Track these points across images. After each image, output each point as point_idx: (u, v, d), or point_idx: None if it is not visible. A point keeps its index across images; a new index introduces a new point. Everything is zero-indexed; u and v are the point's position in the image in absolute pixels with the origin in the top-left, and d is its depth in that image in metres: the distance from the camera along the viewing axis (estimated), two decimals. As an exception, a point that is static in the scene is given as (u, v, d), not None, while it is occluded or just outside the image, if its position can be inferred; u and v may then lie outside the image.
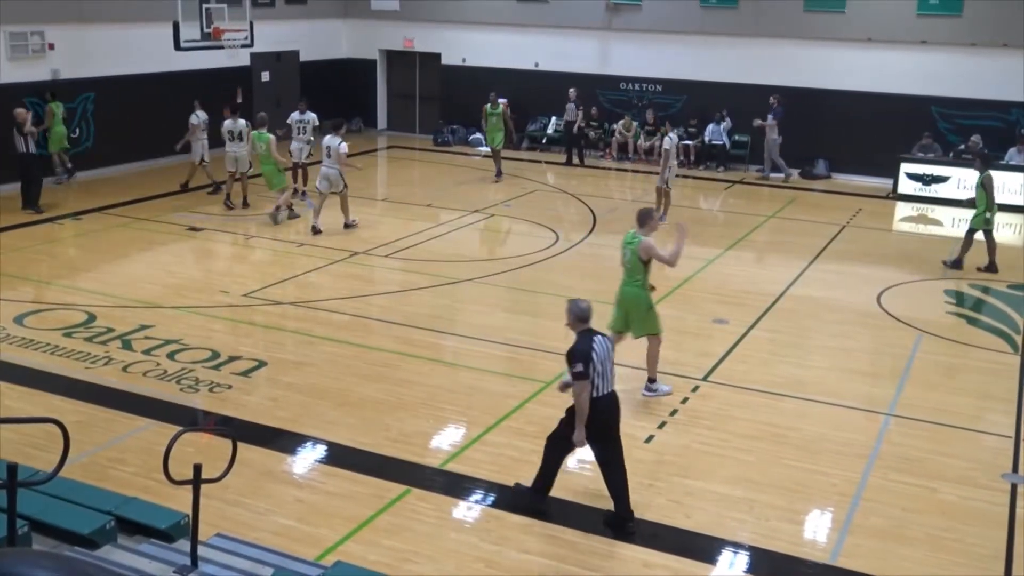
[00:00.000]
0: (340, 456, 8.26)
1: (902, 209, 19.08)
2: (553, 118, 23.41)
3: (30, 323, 11.20)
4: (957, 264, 14.24)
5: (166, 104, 19.07)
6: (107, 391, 9.41)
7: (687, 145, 21.43)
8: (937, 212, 18.51)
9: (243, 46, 18.46)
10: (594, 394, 6.86)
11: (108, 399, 9.21)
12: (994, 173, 14.74)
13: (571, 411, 7.05)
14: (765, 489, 7.84)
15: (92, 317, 11.40)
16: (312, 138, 17.38)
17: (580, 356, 6.83)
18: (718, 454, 8.46)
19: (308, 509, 7.40)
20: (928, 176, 19.40)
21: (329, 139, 15.24)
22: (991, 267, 14.16)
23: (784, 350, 11.01)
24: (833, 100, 20.71)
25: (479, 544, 7.01)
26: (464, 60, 24.49)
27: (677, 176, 17.29)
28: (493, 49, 23.96)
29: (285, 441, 8.53)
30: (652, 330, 9.43)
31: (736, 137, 21.73)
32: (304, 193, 17.65)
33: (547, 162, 22.36)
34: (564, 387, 7.38)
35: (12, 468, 4.62)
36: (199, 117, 17.71)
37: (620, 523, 7.20)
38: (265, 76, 23.14)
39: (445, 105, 24.90)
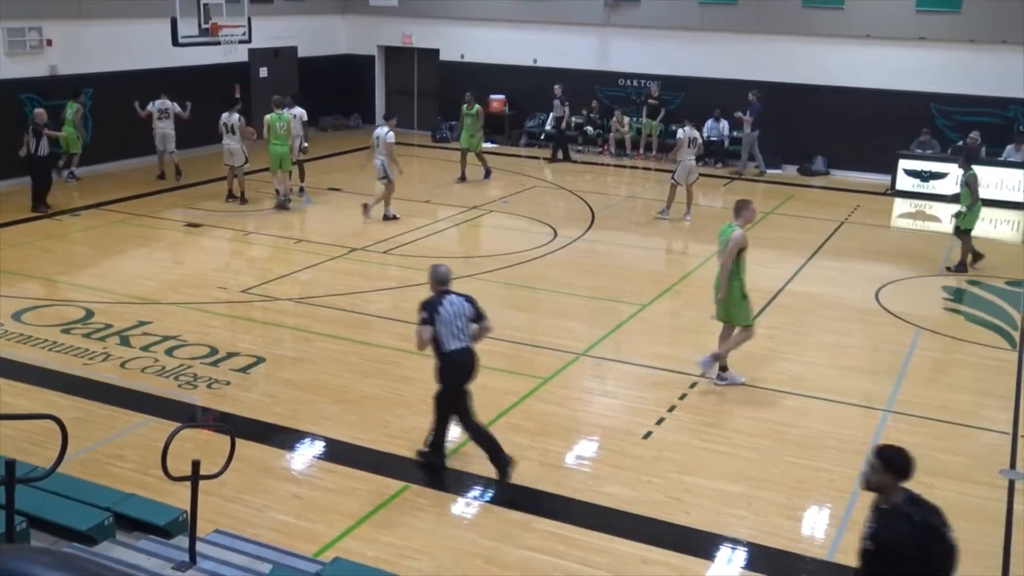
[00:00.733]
0: (338, 452, 8.26)
1: (900, 205, 19.09)
2: (550, 115, 23.38)
3: (28, 319, 11.19)
4: (961, 267, 14.17)
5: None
6: (105, 387, 9.40)
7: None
8: (935, 208, 18.48)
9: (241, 42, 18.41)
10: (445, 348, 7.56)
11: (106, 395, 9.21)
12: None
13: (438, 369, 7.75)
14: (763, 485, 7.85)
15: (90, 313, 11.40)
16: (303, 133, 17.33)
17: (425, 306, 7.60)
18: (716, 450, 8.47)
19: (306, 505, 7.40)
20: (926, 172, 19.39)
21: (379, 130, 15.96)
22: (961, 266, 14.11)
23: (782, 346, 11.00)
24: (831, 96, 20.69)
25: (477, 540, 7.02)
26: (463, 56, 24.44)
27: (700, 176, 17.30)
28: (492, 45, 23.91)
29: (283, 437, 8.53)
30: (742, 321, 9.66)
31: (735, 133, 21.70)
32: (303, 190, 17.67)
33: (542, 158, 22.29)
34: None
35: (10, 464, 4.62)
36: (154, 105, 18.15)
37: (503, 470, 7.71)
38: (263, 72, 23.10)
39: (443, 101, 24.87)
